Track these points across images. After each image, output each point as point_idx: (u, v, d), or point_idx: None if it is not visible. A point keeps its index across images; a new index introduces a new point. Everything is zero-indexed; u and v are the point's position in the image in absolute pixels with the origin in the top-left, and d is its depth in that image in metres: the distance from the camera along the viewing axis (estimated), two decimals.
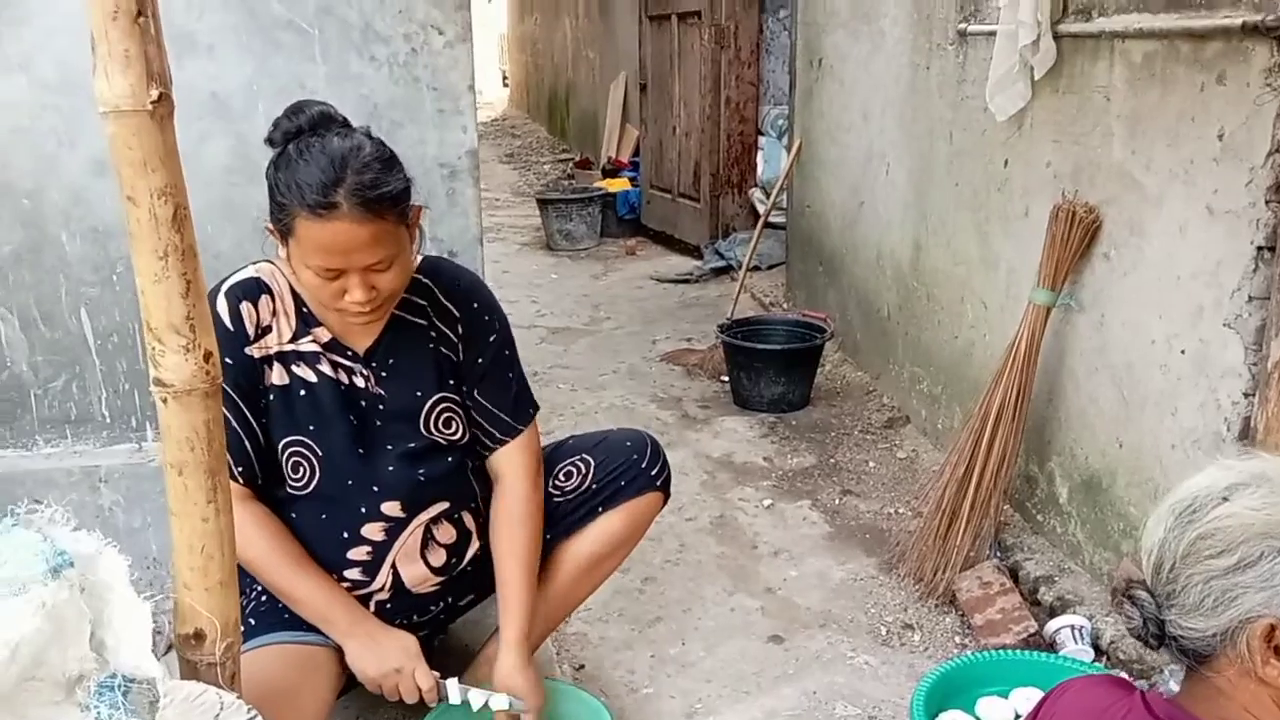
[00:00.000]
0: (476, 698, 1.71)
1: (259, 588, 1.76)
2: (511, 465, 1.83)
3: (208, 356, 1.23)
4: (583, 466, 1.92)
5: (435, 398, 1.75)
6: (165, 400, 1.23)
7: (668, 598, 2.45)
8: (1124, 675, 1.69)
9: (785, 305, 4.64)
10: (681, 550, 2.66)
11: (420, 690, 1.69)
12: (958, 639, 2.31)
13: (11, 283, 2.11)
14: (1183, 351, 2.04)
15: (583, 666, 2.17)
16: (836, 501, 2.95)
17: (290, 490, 1.71)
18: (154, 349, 1.22)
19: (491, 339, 1.79)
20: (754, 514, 2.87)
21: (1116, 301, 2.25)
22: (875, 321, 3.67)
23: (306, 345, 1.69)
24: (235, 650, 1.32)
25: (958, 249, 2.98)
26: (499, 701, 1.70)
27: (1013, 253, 2.66)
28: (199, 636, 1.28)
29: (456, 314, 1.76)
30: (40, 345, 2.13)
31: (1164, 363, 2.09)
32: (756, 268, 5.02)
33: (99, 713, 1.18)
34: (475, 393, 1.79)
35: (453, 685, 1.71)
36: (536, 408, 1.88)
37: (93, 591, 1.24)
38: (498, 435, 1.82)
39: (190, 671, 1.29)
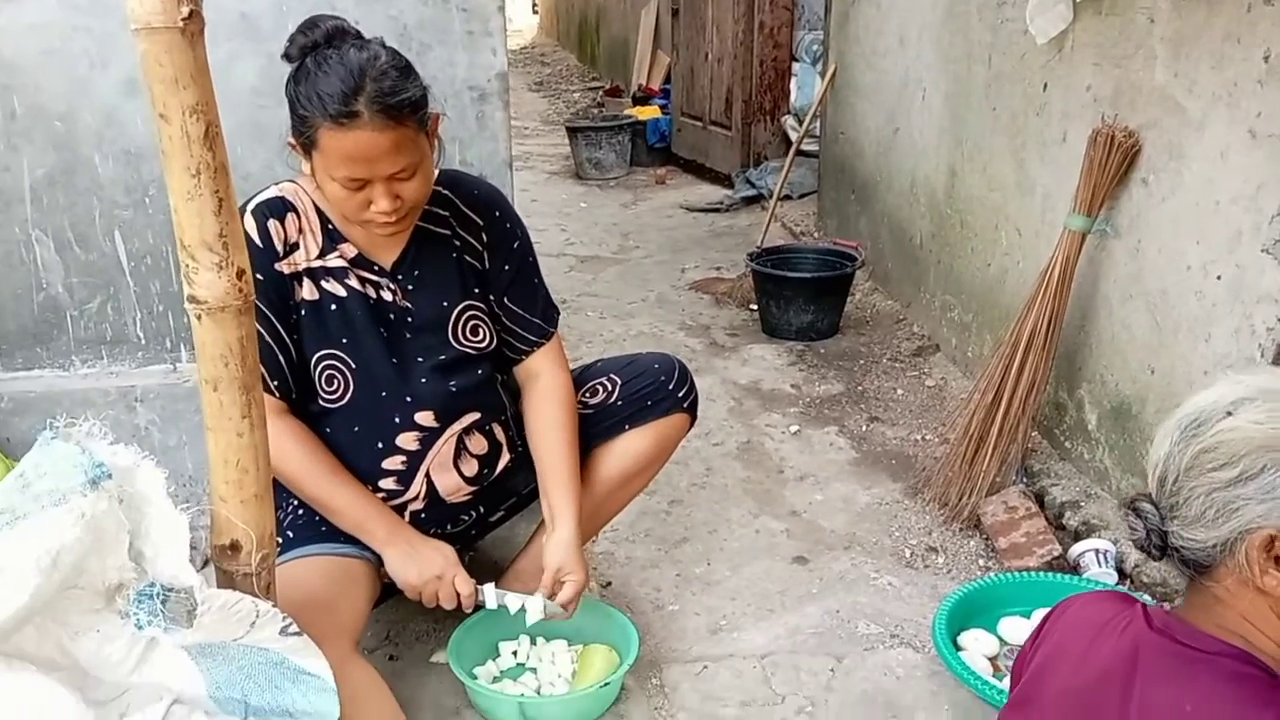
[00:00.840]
0: (513, 602, 1.74)
1: (296, 501, 1.79)
2: (546, 364, 1.87)
3: (240, 274, 1.24)
4: (609, 385, 1.94)
5: (461, 306, 1.78)
6: (199, 317, 1.25)
7: (694, 519, 2.47)
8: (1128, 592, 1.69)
9: (816, 234, 4.59)
10: (708, 474, 2.68)
11: (460, 596, 1.72)
12: (981, 562, 2.32)
13: (46, 205, 2.12)
14: (1219, 277, 2.01)
15: (609, 584, 2.21)
16: (864, 428, 2.96)
17: (324, 403, 1.73)
18: (187, 266, 1.23)
19: (515, 245, 1.83)
20: (780, 439, 2.88)
21: (1153, 227, 2.21)
22: (907, 249, 3.63)
23: (334, 261, 1.70)
24: (270, 562, 1.35)
25: (993, 175, 2.93)
26: (535, 605, 1.74)
27: (1049, 178, 2.61)
28: (235, 548, 1.31)
29: (480, 222, 1.79)
30: (75, 267, 2.15)
31: (1199, 289, 2.06)
32: (788, 196, 4.96)
33: (138, 620, 1.22)
34: (505, 300, 1.82)
35: (490, 590, 1.75)
36: (559, 313, 1.92)
37: (131, 503, 1.27)
38: (531, 339, 1.86)
39: (226, 582, 1.33)
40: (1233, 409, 1.02)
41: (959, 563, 2.33)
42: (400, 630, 1.99)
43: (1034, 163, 2.69)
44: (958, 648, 1.89)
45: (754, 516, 2.49)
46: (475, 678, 1.81)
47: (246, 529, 1.29)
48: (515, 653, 1.88)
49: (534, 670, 1.85)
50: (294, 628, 1.31)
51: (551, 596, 1.75)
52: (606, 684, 1.70)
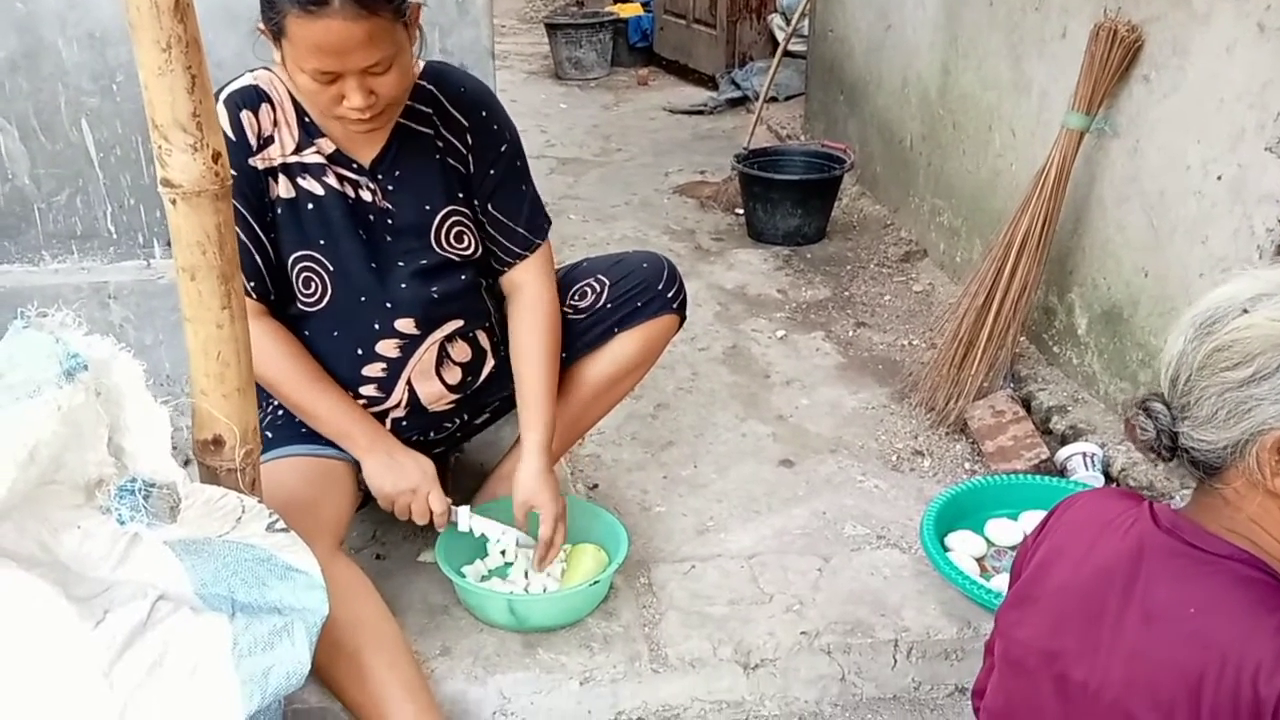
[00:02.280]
0: (487, 528, 1.74)
1: (275, 402, 1.76)
2: (529, 276, 1.80)
3: (216, 157, 1.19)
4: (597, 286, 1.89)
5: (445, 211, 1.71)
6: (174, 202, 1.19)
7: (680, 423, 2.46)
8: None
9: (803, 138, 4.51)
10: (694, 378, 2.66)
11: (432, 513, 1.70)
12: (967, 465, 2.33)
13: (9, 91, 2.03)
14: (1219, 177, 1.97)
15: (596, 486, 2.20)
16: (850, 333, 2.94)
17: (302, 307, 1.69)
18: (160, 148, 1.18)
19: (503, 149, 1.74)
20: (767, 344, 2.86)
21: (1153, 126, 2.17)
22: (897, 152, 3.57)
23: (311, 157, 1.63)
24: (255, 457, 1.32)
25: (988, 73, 2.86)
26: (508, 539, 1.74)
27: (1046, 76, 2.55)
28: (218, 443, 1.28)
29: (464, 123, 1.70)
30: (41, 157, 2.07)
31: (1198, 189, 2.03)
32: (774, 98, 4.87)
33: (120, 515, 1.19)
34: (489, 207, 1.75)
35: (463, 512, 1.73)
36: (549, 222, 1.84)
37: (108, 396, 1.23)
38: (514, 250, 1.79)
39: (210, 478, 1.30)
40: (1249, 306, 0.98)
41: (945, 466, 2.33)
42: (387, 530, 1.98)
43: (1031, 60, 2.62)
44: (945, 549, 1.90)
45: (740, 420, 2.48)
46: (464, 576, 1.80)
47: (229, 424, 1.26)
48: (504, 552, 1.87)
49: (523, 570, 1.84)
50: (280, 524, 1.29)
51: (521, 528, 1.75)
52: (596, 582, 1.70)
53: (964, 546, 1.94)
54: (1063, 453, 2.19)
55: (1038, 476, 2.09)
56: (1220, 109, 1.96)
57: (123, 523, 1.18)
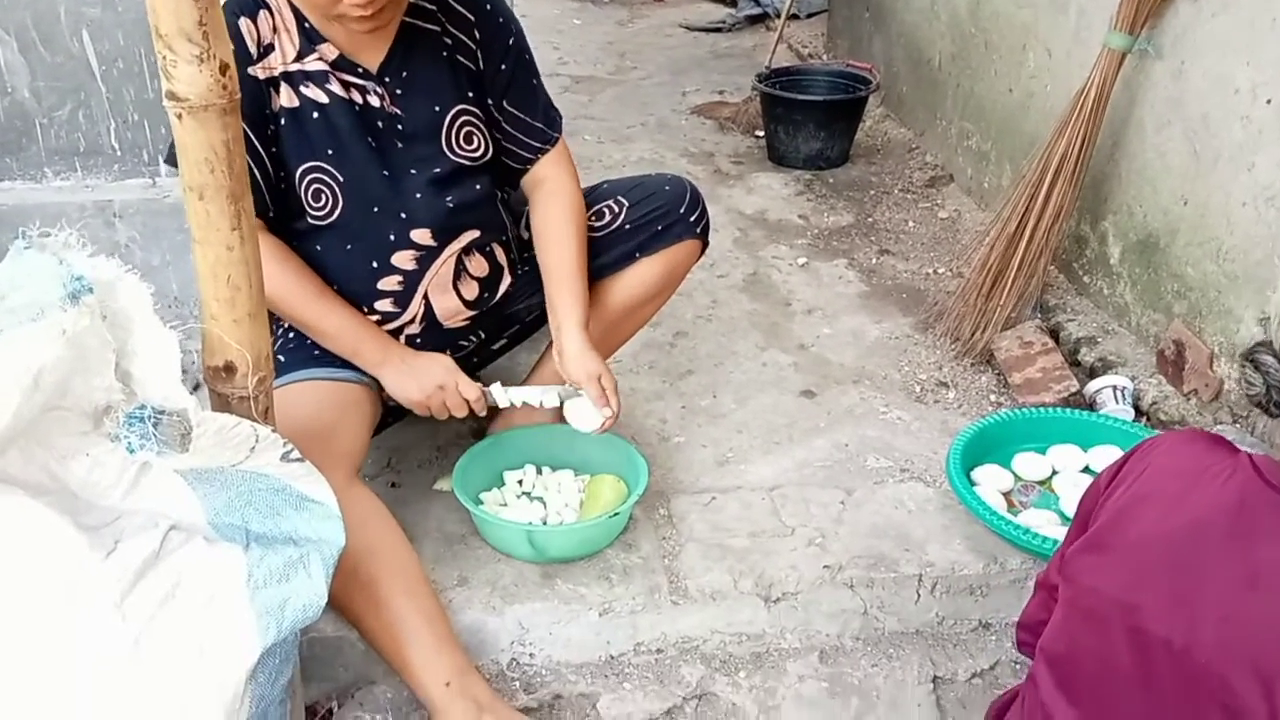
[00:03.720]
0: (526, 395, 1.71)
1: (285, 324, 1.72)
2: (551, 169, 1.78)
3: (224, 69, 1.13)
4: (616, 208, 1.84)
5: (455, 110, 1.66)
6: (180, 116, 1.14)
7: (699, 352, 2.42)
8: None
9: (826, 57, 4.39)
10: (713, 306, 2.61)
11: (468, 401, 1.67)
12: (993, 398, 2.29)
13: (6, 1, 1.95)
14: (1268, 101, 1.89)
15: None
16: (873, 261, 2.87)
17: (313, 221, 1.64)
18: (164, 59, 1.11)
19: (510, 42, 1.70)
20: (788, 272, 2.80)
21: (1199, 47, 2.07)
22: (924, 73, 3.46)
23: (313, 64, 1.57)
24: (268, 384, 1.28)
25: None
26: (550, 398, 1.69)
27: None
28: (229, 370, 1.24)
29: (470, 18, 1.65)
30: (41, 70, 2.00)
31: (1246, 114, 1.95)
32: (795, 15, 4.72)
33: (129, 443, 1.16)
34: (504, 103, 1.72)
35: (498, 389, 1.70)
36: (562, 116, 1.82)
37: (115, 320, 1.18)
38: (534, 145, 1.76)
39: (221, 405, 1.26)
40: None
41: (970, 398, 2.29)
42: (402, 457, 1.95)
43: None
44: (971, 484, 1.87)
45: (761, 350, 2.43)
46: (481, 504, 1.78)
47: (241, 349, 1.22)
48: (521, 481, 1.85)
49: (540, 499, 1.82)
50: (295, 453, 1.26)
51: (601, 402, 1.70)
52: (615, 514, 1.67)
53: (991, 481, 1.90)
54: (1092, 385, 2.14)
55: (1067, 410, 2.04)
56: (1273, 29, 1.87)
57: (132, 451, 1.15)
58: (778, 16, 4.37)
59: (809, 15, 4.88)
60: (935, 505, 1.89)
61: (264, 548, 1.23)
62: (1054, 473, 1.95)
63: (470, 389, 1.67)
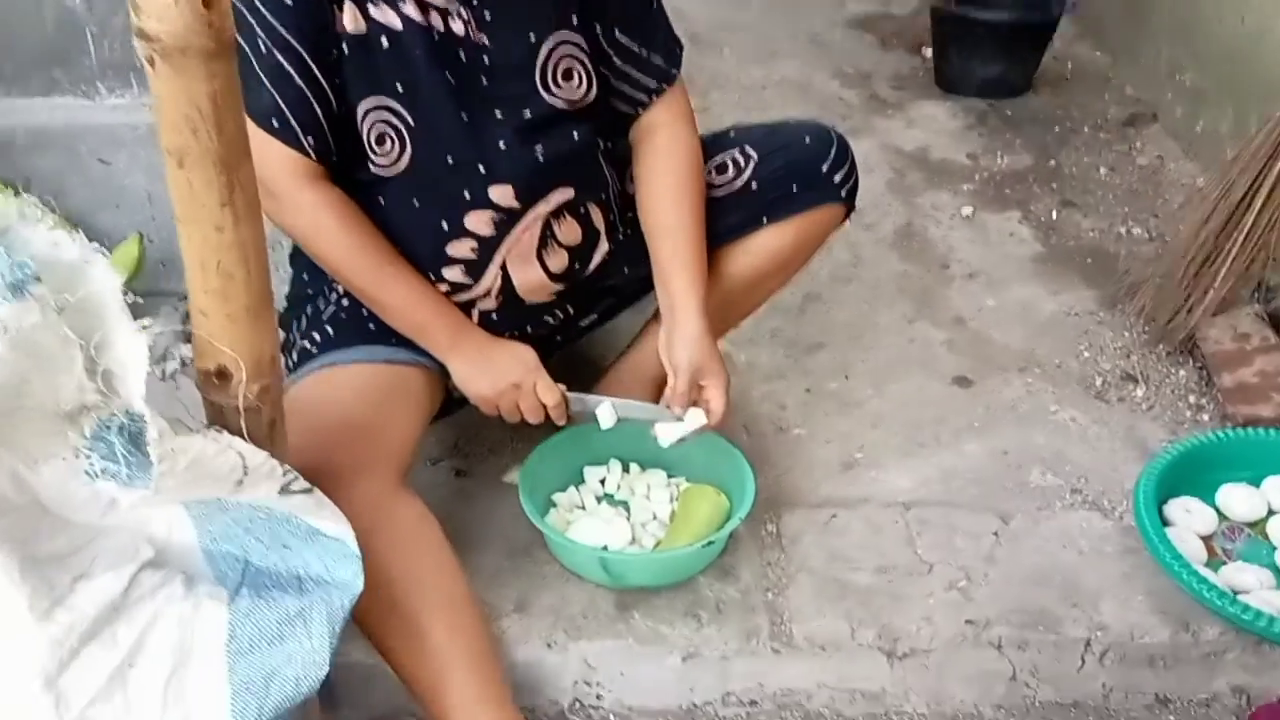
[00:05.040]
0: (627, 410, 1.48)
1: (340, 289, 1.50)
2: (666, 116, 1.53)
3: (209, 1, 0.89)
4: (743, 161, 1.57)
5: (552, 38, 1.41)
6: (151, 61, 0.90)
7: (833, 320, 2.12)
8: None
9: None
10: (855, 264, 2.29)
11: (546, 407, 1.45)
12: (1192, 400, 1.93)
13: None
14: None
15: None
16: (1053, 215, 2.49)
17: (375, 170, 1.41)
18: None
19: None
20: (949, 225, 2.45)
21: None
22: None
23: None
24: (274, 394, 1.07)
25: None
26: (663, 418, 1.47)
27: None
28: (222, 375, 1.03)
29: None
30: None
31: None
32: None
33: (90, 466, 0.96)
34: (616, 32, 1.46)
35: (583, 399, 1.48)
36: (682, 47, 1.54)
37: (83, 309, 0.98)
38: (649, 86, 1.50)
39: (216, 416, 1.05)
40: None
41: (1164, 399, 1.93)
42: (471, 439, 1.74)
43: None
44: (1164, 522, 1.54)
45: (908, 322, 2.12)
46: (554, 506, 1.55)
47: (234, 354, 1.00)
48: (603, 480, 1.61)
49: (624, 504, 1.58)
50: (300, 483, 1.05)
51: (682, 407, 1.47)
52: (710, 543, 1.42)
53: (1188, 520, 1.57)
54: None
55: None
56: None
57: (92, 478, 0.95)
58: None
59: None
60: (1114, 546, 1.57)
61: (256, 596, 1.03)
62: (1270, 513, 1.60)
63: (549, 393, 1.44)
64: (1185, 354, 2.01)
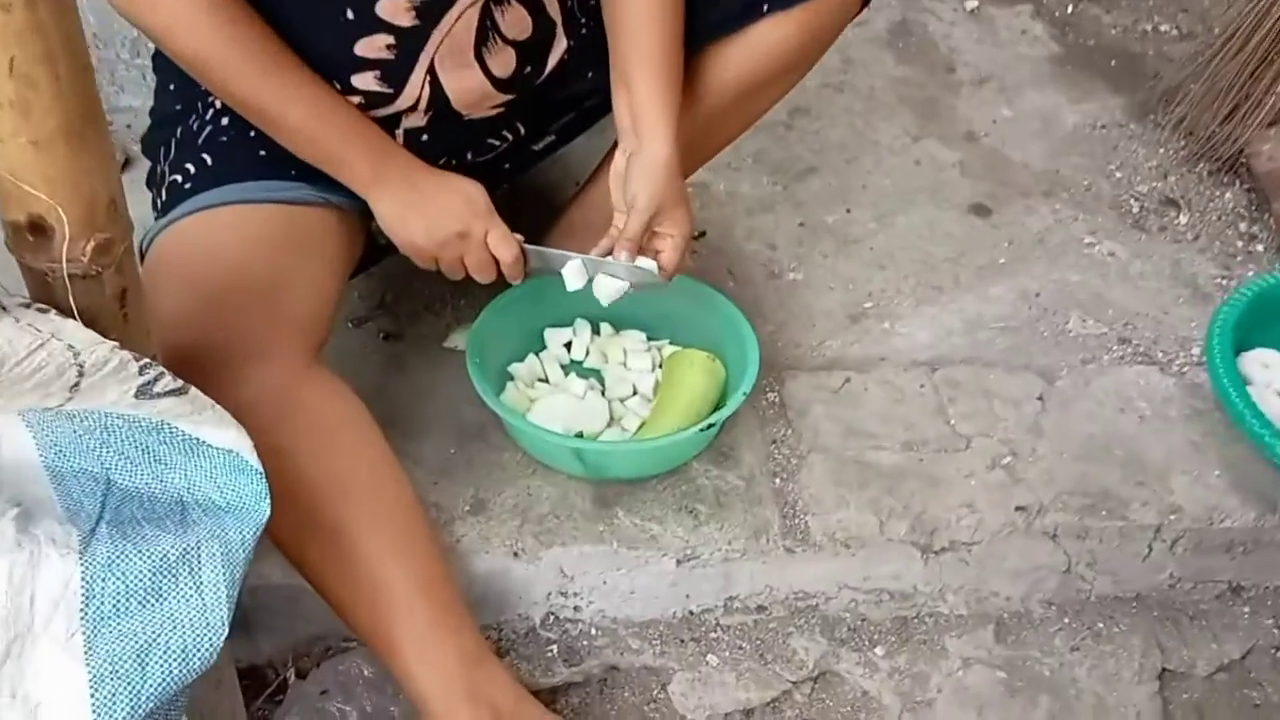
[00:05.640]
0: (599, 266, 1.18)
1: (214, 105, 1.18)
2: None
3: None
4: None
5: None
6: None
7: (826, 140, 1.84)
8: None
9: None
10: (846, 70, 1.99)
11: (500, 262, 1.16)
12: (1243, 228, 1.72)
13: None
14: None
15: (703, 234, 1.63)
16: (1068, 9, 2.20)
17: None
18: None
19: None
20: (950, 21, 2.15)
21: None
22: None
23: None
24: (119, 253, 0.77)
25: None
26: (612, 277, 1.17)
27: None
28: (38, 231, 0.72)
29: None
30: None
31: None
32: None
33: None
34: None
35: (546, 254, 1.18)
36: None
37: None
38: None
39: (39, 290, 0.76)
40: None
41: (1209, 226, 1.72)
42: (402, 293, 1.45)
43: None
44: (1241, 381, 1.33)
45: (913, 139, 1.85)
46: (511, 379, 1.29)
47: (49, 198, 0.70)
48: (569, 345, 1.35)
49: (597, 374, 1.32)
50: (167, 380, 0.76)
51: (641, 254, 1.18)
52: (710, 425, 1.17)
53: (1266, 376, 1.37)
54: None
55: None
56: None
57: None
58: None
59: None
60: (1179, 408, 1.37)
61: (121, 536, 0.76)
62: None
63: (505, 245, 1.15)
64: (1232, 173, 1.79)
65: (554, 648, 1.21)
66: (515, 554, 1.16)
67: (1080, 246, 1.65)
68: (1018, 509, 1.23)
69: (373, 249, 1.24)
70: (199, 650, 0.74)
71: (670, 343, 1.35)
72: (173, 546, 0.76)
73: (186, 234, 1.08)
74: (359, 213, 1.18)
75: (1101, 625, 1.27)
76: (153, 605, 0.74)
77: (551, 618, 1.22)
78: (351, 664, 1.15)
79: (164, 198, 1.14)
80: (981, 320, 1.51)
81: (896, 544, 1.21)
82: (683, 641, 1.23)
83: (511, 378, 1.29)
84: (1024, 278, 1.59)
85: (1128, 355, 1.46)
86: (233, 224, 1.10)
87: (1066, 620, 1.27)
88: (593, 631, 1.22)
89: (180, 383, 0.76)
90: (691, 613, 1.24)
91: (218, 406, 0.79)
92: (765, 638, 1.23)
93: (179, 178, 1.14)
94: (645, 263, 1.16)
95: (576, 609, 1.22)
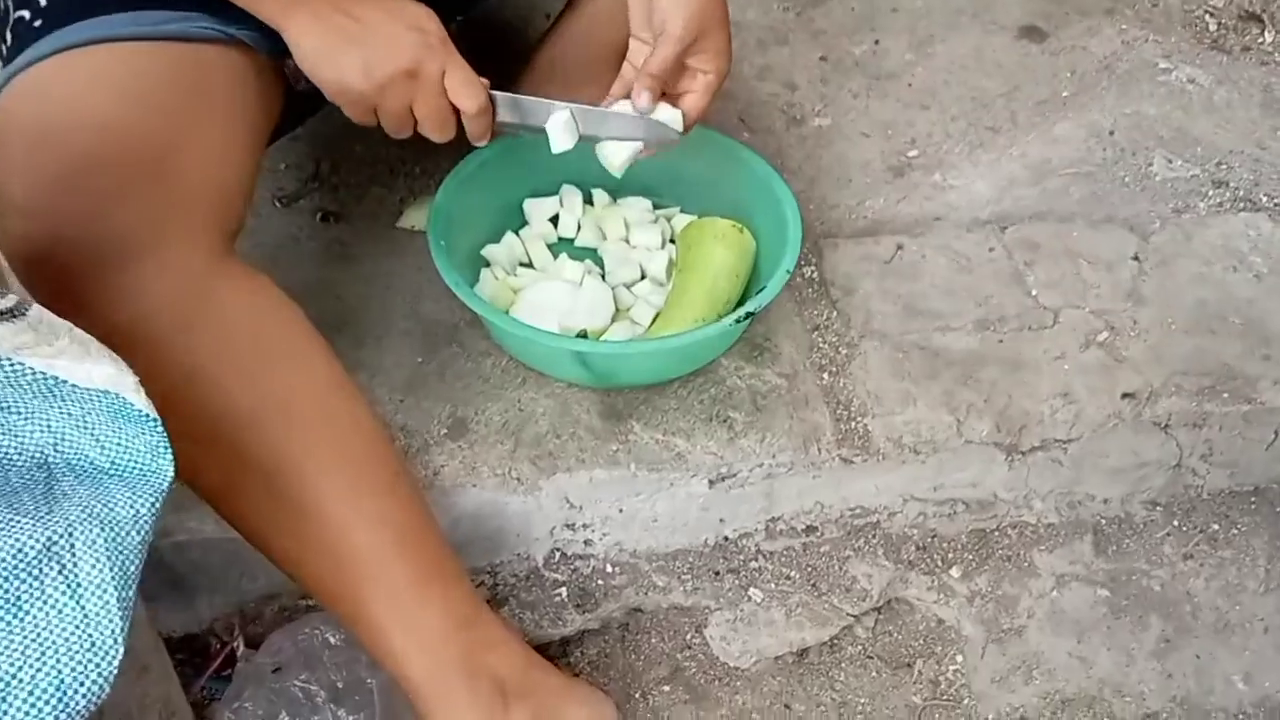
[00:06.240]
0: (587, 126, 0.93)
1: None
2: None
3: None
4: None
5: None
6: None
7: None
8: None
9: None
10: None
11: (461, 111, 0.90)
12: None
13: None
14: None
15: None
16: None
17: None
18: None
19: None
20: None
21: None
22: None
23: None
24: None
25: None
26: (655, 132, 0.93)
27: None
28: None
29: None
30: None
31: None
32: None
33: None
34: None
35: (520, 102, 0.92)
36: None
37: None
38: None
39: None
40: None
41: None
42: (342, 161, 1.21)
43: None
44: None
45: None
46: (486, 265, 1.06)
47: None
48: (556, 220, 1.11)
49: (594, 255, 1.10)
50: (11, 299, 0.53)
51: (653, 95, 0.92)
52: (748, 315, 0.95)
53: None
54: None
55: None
56: None
57: None
58: None
59: None
60: None
61: None
62: None
63: (468, 89, 0.88)
64: None
65: (562, 591, 1.01)
66: (508, 484, 0.95)
67: (1154, 73, 1.44)
68: (1124, 396, 1.03)
69: (292, 102, 0.99)
70: (83, 683, 0.53)
71: (682, 211, 1.12)
72: (32, 535, 0.55)
73: (39, 85, 0.83)
74: (273, 53, 0.92)
75: (1217, 527, 1.09)
76: (6, 624, 0.53)
77: (557, 555, 1.02)
78: (313, 629, 0.95)
79: (8, 41, 0.88)
80: (1049, 165, 1.30)
81: (977, 446, 1.01)
82: (718, 574, 1.03)
83: (487, 263, 1.07)
84: (1093, 112, 1.37)
85: (1227, 201, 1.25)
86: (103, 69, 0.84)
87: (1175, 523, 1.09)
88: (609, 569, 1.02)
89: (14, 299, 0.53)
90: (727, 538, 1.04)
91: (77, 330, 0.56)
92: (817, 564, 1.04)
93: (26, 12, 0.87)
94: (665, 112, 0.92)
95: (587, 543, 1.02)
